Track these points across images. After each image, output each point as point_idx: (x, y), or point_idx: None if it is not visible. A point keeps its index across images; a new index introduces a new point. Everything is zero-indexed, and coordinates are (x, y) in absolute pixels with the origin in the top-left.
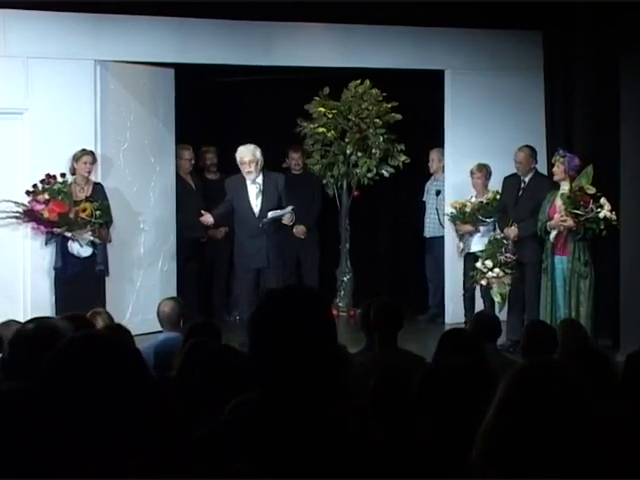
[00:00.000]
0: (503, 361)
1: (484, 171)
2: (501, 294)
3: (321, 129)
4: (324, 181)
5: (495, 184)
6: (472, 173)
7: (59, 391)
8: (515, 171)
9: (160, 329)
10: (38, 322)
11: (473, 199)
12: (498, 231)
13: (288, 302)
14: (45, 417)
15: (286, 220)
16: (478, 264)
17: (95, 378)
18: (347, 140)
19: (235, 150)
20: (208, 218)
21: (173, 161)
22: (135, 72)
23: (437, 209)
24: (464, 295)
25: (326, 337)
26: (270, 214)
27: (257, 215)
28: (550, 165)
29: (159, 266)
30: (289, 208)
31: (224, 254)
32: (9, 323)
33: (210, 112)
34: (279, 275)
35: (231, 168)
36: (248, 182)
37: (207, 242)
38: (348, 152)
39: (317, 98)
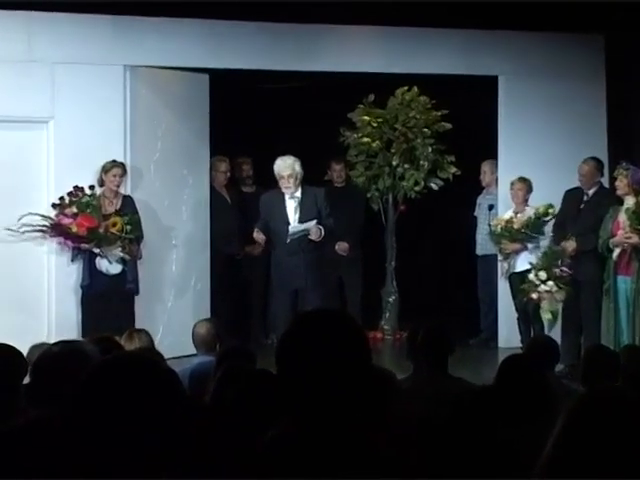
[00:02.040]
0: (562, 389)
1: (525, 184)
2: (552, 312)
3: (365, 139)
4: (368, 195)
5: (546, 198)
6: (512, 184)
7: (91, 419)
8: (578, 184)
9: (193, 352)
10: (64, 345)
11: (511, 214)
12: (545, 242)
13: (317, 326)
14: (75, 448)
15: (313, 236)
16: (531, 275)
17: (130, 404)
18: (393, 151)
19: (272, 161)
20: (260, 235)
21: (207, 173)
22: (167, 78)
23: (490, 225)
24: (519, 318)
25: (358, 363)
26: (290, 229)
27: None
28: (612, 179)
29: (192, 285)
30: (313, 222)
31: (261, 272)
32: (42, 346)
33: (246, 121)
34: (319, 296)
35: (268, 180)
36: (286, 196)
37: (243, 259)
38: (394, 164)
39: (361, 106)
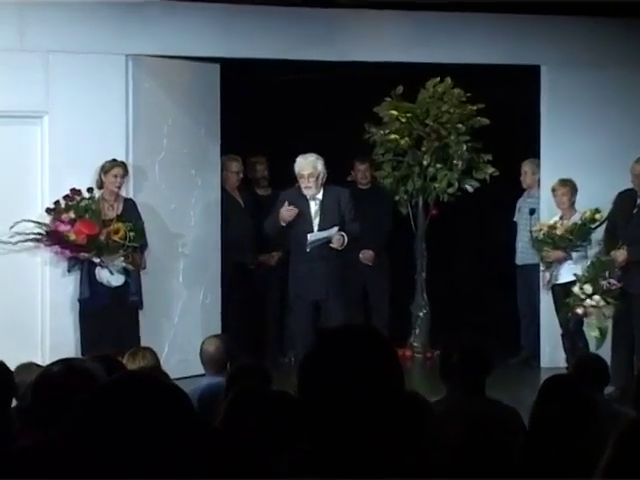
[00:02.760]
0: (612, 413)
1: (568, 186)
2: (600, 328)
3: (393, 136)
4: (396, 197)
5: (594, 202)
6: (554, 190)
7: (98, 443)
8: (630, 186)
9: (201, 372)
10: (66, 363)
11: (556, 219)
12: (593, 251)
13: (343, 344)
14: (81, 474)
15: (335, 243)
16: (575, 289)
17: (141, 427)
18: (424, 149)
19: (289, 161)
20: (289, 209)
21: (218, 174)
22: (173, 69)
23: (531, 231)
24: (563, 334)
25: (389, 384)
26: (310, 237)
27: None
28: None
29: (201, 297)
30: (334, 229)
31: (277, 283)
32: (29, 366)
33: (261, 116)
34: (341, 309)
35: (285, 182)
36: (308, 196)
37: (257, 269)
38: (425, 163)
39: (388, 99)
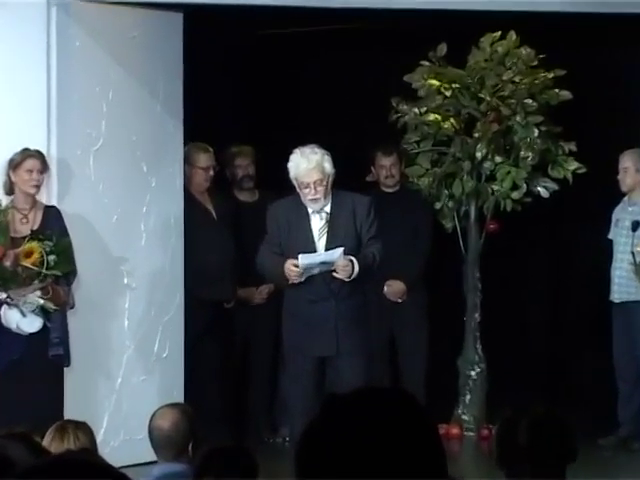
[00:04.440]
0: None
1: None
2: None
3: (433, 116)
4: (437, 205)
5: None
6: None
7: None
8: None
9: (153, 458)
10: None
11: None
12: None
13: (361, 416)
14: None
15: (340, 273)
16: None
17: None
18: (477, 135)
19: (285, 153)
20: (292, 267)
21: (180, 170)
22: (116, 19)
23: (633, 253)
24: None
25: (427, 473)
26: (302, 259)
27: None
28: None
29: (155, 350)
30: (337, 252)
31: (266, 330)
32: None
33: (243, 87)
34: (358, 367)
35: (278, 182)
36: (309, 209)
37: (237, 309)
38: (479, 155)
39: (426, 63)
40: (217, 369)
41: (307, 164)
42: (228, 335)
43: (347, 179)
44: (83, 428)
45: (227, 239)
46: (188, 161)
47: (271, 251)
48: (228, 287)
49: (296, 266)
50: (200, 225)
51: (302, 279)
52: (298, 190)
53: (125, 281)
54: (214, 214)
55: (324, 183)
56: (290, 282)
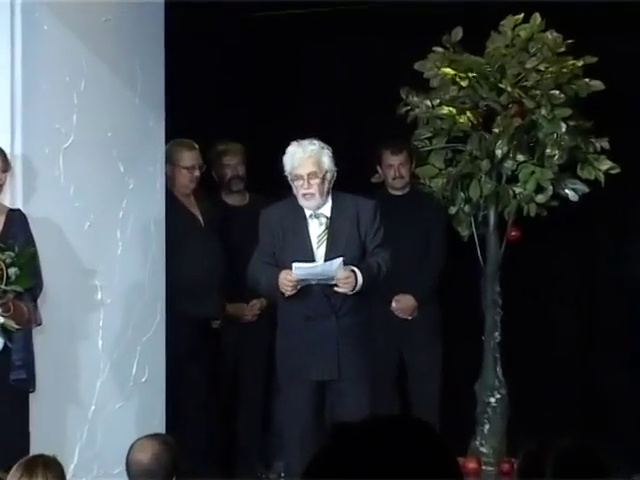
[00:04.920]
0: None
1: None
2: None
3: (447, 109)
4: (451, 210)
5: None
6: None
7: None
8: None
9: None
10: None
11: None
12: None
13: (370, 447)
14: None
15: (342, 286)
16: None
17: None
18: (497, 130)
19: (279, 151)
20: (289, 278)
21: (161, 171)
22: (88, 5)
23: None
24: None
25: None
26: (297, 269)
27: None
28: None
29: (133, 373)
30: (338, 261)
31: (257, 351)
32: None
33: (233, 79)
34: (363, 393)
35: (271, 184)
36: (306, 213)
37: (226, 327)
38: (499, 153)
39: (439, 49)
40: (203, 395)
41: (302, 153)
42: (216, 357)
43: (349, 180)
44: (52, 464)
45: (215, 248)
46: (170, 160)
47: (263, 262)
48: (216, 302)
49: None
50: (185, 232)
51: (296, 290)
52: (294, 190)
53: (99, 296)
54: (201, 220)
55: (319, 176)
56: (286, 295)
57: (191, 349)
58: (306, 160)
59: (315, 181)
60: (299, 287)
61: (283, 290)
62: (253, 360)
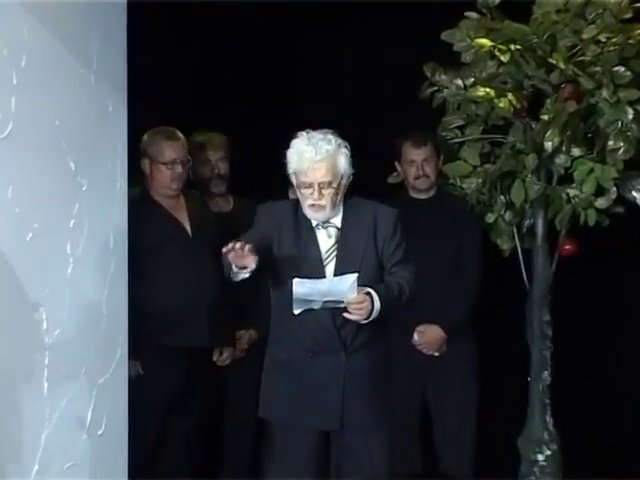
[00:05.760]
0: None
1: None
2: None
3: (483, 90)
4: (488, 218)
5: None
6: None
7: None
8: None
9: None
10: None
11: None
12: None
13: None
14: None
15: (354, 312)
16: None
17: None
18: (546, 117)
19: (272, 145)
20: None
21: (123, 168)
22: None
23: None
24: None
25: None
26: (297, 287)
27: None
28: None
29: (87, 424)
30: (351, 278)
31: (246, 396)
32: None
33: (215, 56)
34: (378, 448)
35: (262, 188)
36: (313, 222)
37: (202, 369)
38: (549, 147)
39: (473, 15)
40: (176, 451)
41: (314, 153)
42: (195, 402)
43: (362, 180)
44: None
45: (207, 263)
46: (147, 154)
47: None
48: (205, 331)
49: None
50: (168, 243)
51: (296, 312)
52: (298, 194)
53: (44, 326)
54: (188, 229)
55: (334, 186)
56: (233, 278)
57: (163, 392)
58: (319, 165)
59: (328, 191)
60: (298, 312)
61: (232, 260)
62: (240, 407)
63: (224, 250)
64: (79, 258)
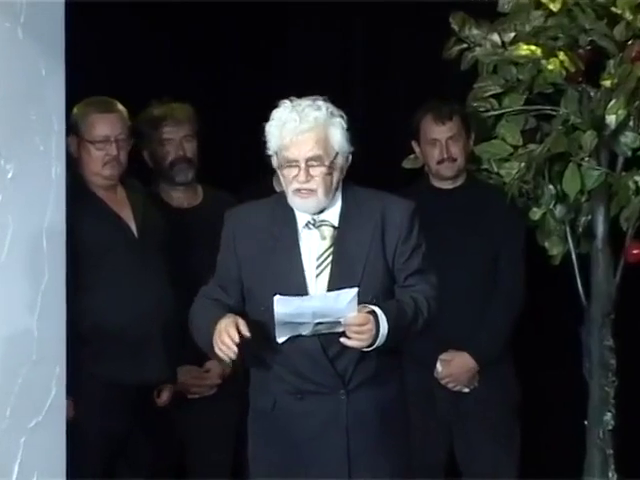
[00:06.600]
0: None
1: None
2: None
3: (526, 49)
4: (534, 213)
5: None
6: None
7: None
8: None
9: None
10: None
11: None
12: None
13: None
14: None
15: (354, 337)
16: None
17: None
18: (609, 84)
19: (259, 117)
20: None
21: (60, 149)
22: None
23: None
24: None
25: None
26: (279, 306)
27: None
28: None
29: (14, 475)
30: (349, 294)
31: (218, 443)
32: None
33: (180, 11)
34: None
35: (245, 173)
36: (299, 219)
37: (174, 403)
38: (612, 121)
39: None
40: None
41: (298, 122)
42: (154, 450)
43: (368, 165)
44: None
45: (157, 273)
46: (76, 130)
47: (211, 297)
48: (161, 362)
49: (240, 335)
50: (109, 246)
51: (280, 340)
52: (281, 180)
53: None
54: (134, 228)
55: (326, 163)
56: (223, 360)
57: (110, 439)
58: (305, 136)
59: (319, 171)
60: (282, 341)
61: (218, 351)
62: (211, 454)
63: (216, 348)
64: (2, 266)
